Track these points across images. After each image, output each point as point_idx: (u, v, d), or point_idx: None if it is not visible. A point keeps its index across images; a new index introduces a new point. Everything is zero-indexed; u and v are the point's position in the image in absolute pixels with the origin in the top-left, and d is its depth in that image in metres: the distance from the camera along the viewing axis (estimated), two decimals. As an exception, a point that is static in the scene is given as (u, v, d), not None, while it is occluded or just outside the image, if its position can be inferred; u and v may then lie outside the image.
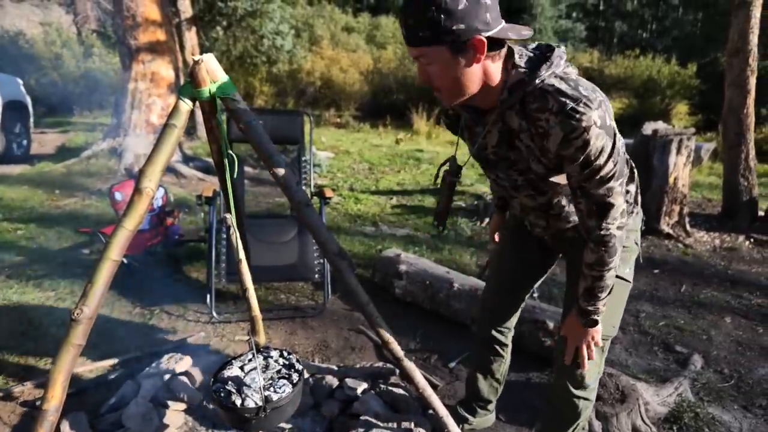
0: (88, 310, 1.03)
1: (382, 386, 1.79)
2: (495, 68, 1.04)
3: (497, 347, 1.62)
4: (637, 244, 1.32)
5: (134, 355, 2.09)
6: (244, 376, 1.38)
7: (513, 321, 1.60)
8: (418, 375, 1.33)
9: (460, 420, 1.68)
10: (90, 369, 1.98)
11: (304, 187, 2.83)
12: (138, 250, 2.79)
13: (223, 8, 9.60)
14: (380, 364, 1.96)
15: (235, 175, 1.27)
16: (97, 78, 11.09)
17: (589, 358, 1.27)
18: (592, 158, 1.00)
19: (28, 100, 6.39)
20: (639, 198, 1.33)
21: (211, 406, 1.63)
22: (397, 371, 1.93)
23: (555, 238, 1.36)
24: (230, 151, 1.27)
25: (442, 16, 0.92)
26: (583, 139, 0.97)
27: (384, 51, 14.42)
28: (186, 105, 1.19)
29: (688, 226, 3.94)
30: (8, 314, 2.42)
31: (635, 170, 1.30)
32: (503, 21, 1.00)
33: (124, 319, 2.38)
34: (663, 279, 3.21)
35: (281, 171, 1.26)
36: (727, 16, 4.57)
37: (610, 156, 1.01)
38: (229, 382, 1.36)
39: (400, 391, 1.76)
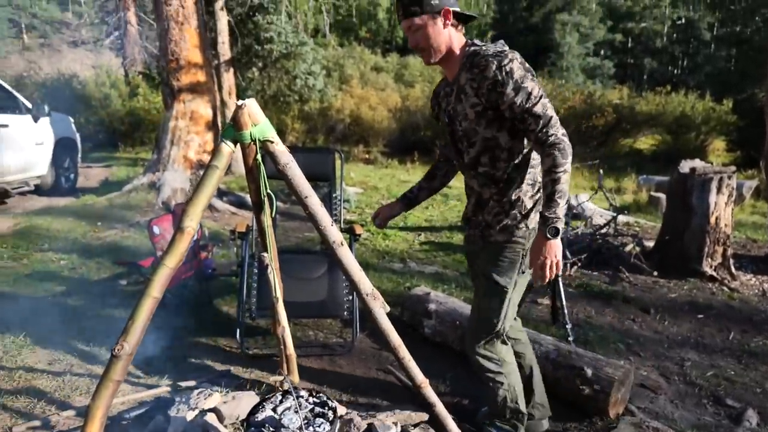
0: (128, 347, 1.06)
1: (412, 430, 1.72)
2: (457, 36, 1.53)
3: None
4: (523, 256, 1.55)
5: (164, 388, 2.10)
6: (280, 418, 1.36)
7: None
8: (450, 422, 1.29)
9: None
10: (122, 401, 2.00)
11: (334, 224, 2.86)
12: (171, 283, 2.85)
13: (260, 51, 10.16)
14: (410, 407, 1.90)
15: (273, 214, 1.30)
16: (140, 116, 11.77)
17: (553, 273, 1.45)
18: (520, 82, 1.40)
19: (77, 137, 6.83)
20: (534, 216, 1.54)
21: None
22: (427, 416, 1.86)
23: (477, 245, 1.65)
24: (269, 191, 1.31)
25: None
26: (510, 66, 1.41)
27: (412, 89, 14.78)
28: (228, 147, 1.25)
29: (732, 269, 3.75)
30: (47, 343, 2.49)
31: (538, 185, 1.55)
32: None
33: (155, 352, 2.41)
34: (708, 325, 3.02)
35: (316, 210, 1.29)
36: (764, 52, 4.49)
37: (532, 81, 1.43)
38: (266, 425, 1.34)
39: (431, 437, 1.69)
